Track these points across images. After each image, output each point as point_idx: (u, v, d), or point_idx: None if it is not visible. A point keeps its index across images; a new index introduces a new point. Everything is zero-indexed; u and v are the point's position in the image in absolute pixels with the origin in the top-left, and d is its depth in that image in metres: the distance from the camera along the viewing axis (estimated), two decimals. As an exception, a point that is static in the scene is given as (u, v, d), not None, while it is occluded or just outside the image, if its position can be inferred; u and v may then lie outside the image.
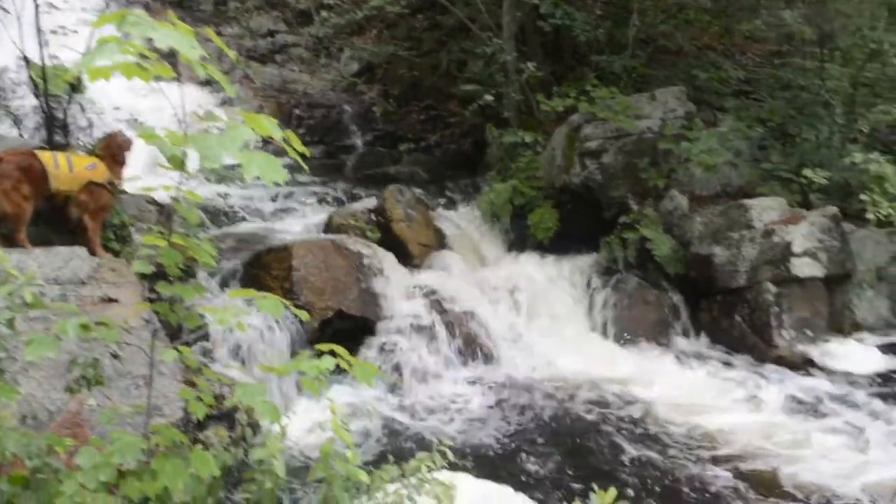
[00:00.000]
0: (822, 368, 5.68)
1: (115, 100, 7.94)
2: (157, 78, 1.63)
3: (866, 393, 5.26)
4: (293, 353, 5.04)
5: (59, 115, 5.82)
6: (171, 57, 1.71)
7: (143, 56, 1.57)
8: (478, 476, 3.54)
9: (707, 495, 4.03)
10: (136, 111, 7.99)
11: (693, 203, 6.76)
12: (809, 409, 5.04)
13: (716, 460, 4.38)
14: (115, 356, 3.52)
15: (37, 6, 5.55)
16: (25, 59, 5.78)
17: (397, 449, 4.48)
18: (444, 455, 2.76)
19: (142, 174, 4.96)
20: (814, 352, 5.93)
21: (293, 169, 8.12)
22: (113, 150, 4.56)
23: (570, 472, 4.25)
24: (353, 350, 5.31)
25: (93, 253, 4.28)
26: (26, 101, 7.20)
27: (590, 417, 4.98)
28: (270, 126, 1.73)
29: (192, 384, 3.17)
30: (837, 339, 6.15)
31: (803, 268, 6.19)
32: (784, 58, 8.46)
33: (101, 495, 1.90)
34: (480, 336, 5.89)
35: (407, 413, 5.05)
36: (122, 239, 4.93)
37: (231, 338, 4.99)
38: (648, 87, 7.59)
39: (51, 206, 4.34)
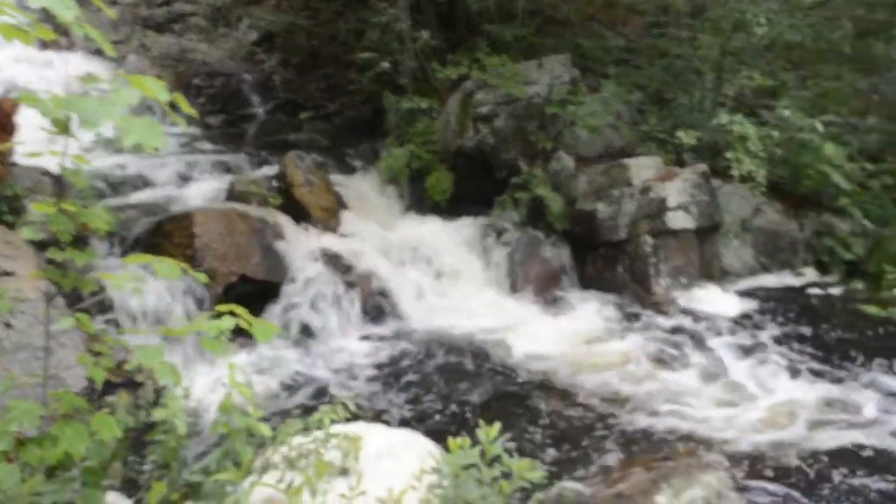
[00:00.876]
0: (692, 312, 6.25)
1: (5, 70, 7.71)
2: (45, 45, 1.65)
3: (727, 332, 5.84)
4: (198, 319, 5.13)
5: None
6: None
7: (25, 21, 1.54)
8: (384, 425, 3.66)
9: (579, 426, 4.45)
10: (28, 82, 7.77)
11: (578, 163, 7.20)
12: (676, 347, 5.55)
13: (592, 396, 4.81)
14: (8, 325, 3.55)
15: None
16: None
17: (304, 405, 4.65)
18: (346, 407, 2.87)
19: (39, 147, 4.95)
20: (686, 297, 6.51)
21: (195, 139, 8.11)
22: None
23: (466, 415, 4.57)
24: (259, 313, 5.49)
25: (-15, 225, 4.23)
26: None
27: (485, 365, 5.32)
28: (156, 88, 1.70)
29: (97, 354, 3.25)
30: (707, 285, 6.77)
31: (677, 221, 6.74)
32: (661, 29, 8.97)
33: (-1, 464, 1.85)
34: (382, 294, 6.16)
35: (313, 371, 5.23)
36: (16, 211, 4.89)
37: (134, 305, 5.04)
38: (536, 55, 7.94)
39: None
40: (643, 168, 6.96)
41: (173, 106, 1.84)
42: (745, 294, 6.65)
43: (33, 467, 1.93)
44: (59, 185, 5.04)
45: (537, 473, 2.34)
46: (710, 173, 7.06)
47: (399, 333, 5.86)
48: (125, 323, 4.99)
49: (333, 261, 6.22)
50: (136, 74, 1.72)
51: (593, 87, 7.71)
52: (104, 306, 4.90)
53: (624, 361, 5.30)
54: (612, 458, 4.02)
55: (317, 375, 5.17)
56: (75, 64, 8.15)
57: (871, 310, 6.28)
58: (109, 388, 3.80)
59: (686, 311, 6.27)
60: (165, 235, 5.72)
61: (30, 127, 4.74)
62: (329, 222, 6.81)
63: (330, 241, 6.50)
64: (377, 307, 6.10)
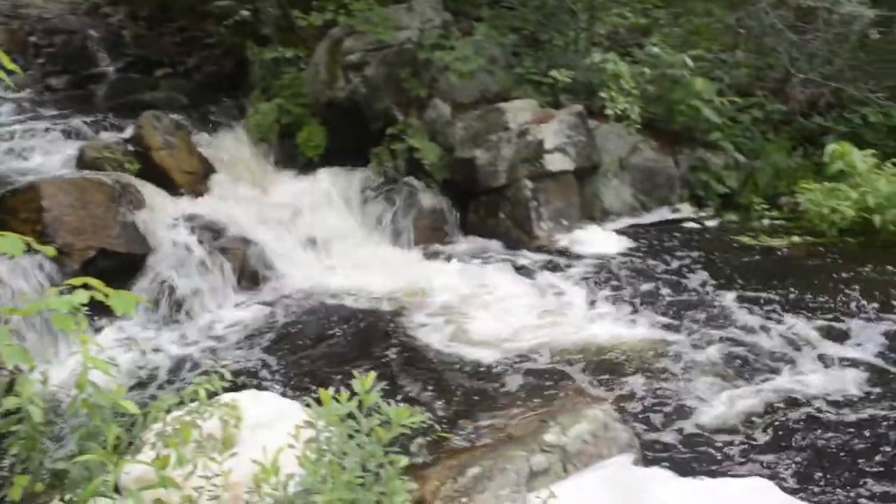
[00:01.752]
0: (573, 252, 6.27)
1: None
2: None
3: (605, 268, 5.89)
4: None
5: None
6: None
7: None
8: (267, 392, 3.54)
9: (468, 374, 4.37)
10: None
11: (455, 110, 7.02)
12: (556, 290, 5.54)
13: (479, 345, 4.71)
14: None
15: None
16: None
17: (177, 379, 4.41)
18: (222, 377, 2.71)
19: None
20: (568, 238, 6.53)
21: (35, 104, 7.37)
22: None
23: (346, 369, 4.37)
24: (124, 288, 5.05)
25: None
26: None
27: (368, 322, 5.15)
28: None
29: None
30: (589, 226, 6.82)
31: (555, 163, 6.72)
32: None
33: None
34: (255, 259, 5.81)
35: (184, 343, 4.96)
36: None
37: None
38: (406, -1, 7.64)
39: None
40: (519, 111, 6.87)
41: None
42: (625, 232, 6.74)
43: None
44: None
45: (416, 418, 2.27)
46: (586, 114, 7.06)
47: (277, 298, 5.59)
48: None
49: (202, 227, 5.85)
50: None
51: (466, 31, 7.50)
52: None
53: (507, 308, 5.23)
54: (502, 403, 3.96)
55: (190, 349, 4.88)
56: None
57: (744, 239, 6.50)
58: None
59: (568, 253, 6.28)
60: (9, 212, 5.21)
61: None
62: (195, 186, 6.38)
63: (197, 207, 6.11)
64: (252, 273, 5.78)
